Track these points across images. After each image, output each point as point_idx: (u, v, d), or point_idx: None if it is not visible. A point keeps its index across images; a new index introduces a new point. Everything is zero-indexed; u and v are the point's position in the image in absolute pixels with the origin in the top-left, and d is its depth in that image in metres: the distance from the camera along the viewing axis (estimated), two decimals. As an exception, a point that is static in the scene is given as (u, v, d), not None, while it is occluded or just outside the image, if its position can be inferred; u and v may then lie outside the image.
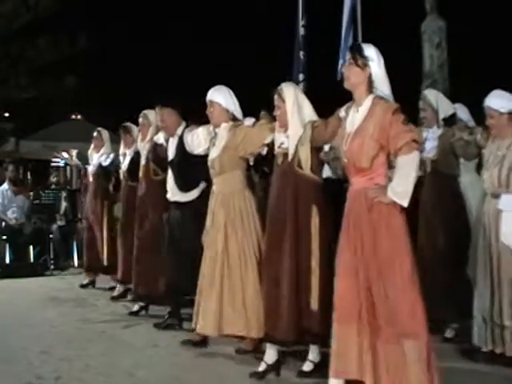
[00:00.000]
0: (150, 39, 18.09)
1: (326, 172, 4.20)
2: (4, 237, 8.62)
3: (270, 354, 3.96)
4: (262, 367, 3.93)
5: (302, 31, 8.95)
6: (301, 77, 8.79)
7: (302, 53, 8.87)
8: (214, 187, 4.43)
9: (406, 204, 3.16)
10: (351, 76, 3.30)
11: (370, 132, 3.20)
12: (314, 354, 3.93)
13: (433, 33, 9.14)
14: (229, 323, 4.20)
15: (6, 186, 8.87)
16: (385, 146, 3.20)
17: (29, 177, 13.04)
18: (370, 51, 3.30)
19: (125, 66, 17.93)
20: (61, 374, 4.10)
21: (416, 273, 3.17)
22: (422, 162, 4.65)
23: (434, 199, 4.74)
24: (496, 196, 4.05)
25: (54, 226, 8.93)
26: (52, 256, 8.62)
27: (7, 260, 8.54)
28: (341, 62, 7.95)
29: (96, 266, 7.12)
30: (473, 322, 4.16)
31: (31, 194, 9.90)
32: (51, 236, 8.78)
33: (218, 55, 17.80)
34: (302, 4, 8.98)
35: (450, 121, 4.75)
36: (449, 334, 4.69)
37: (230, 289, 4.22)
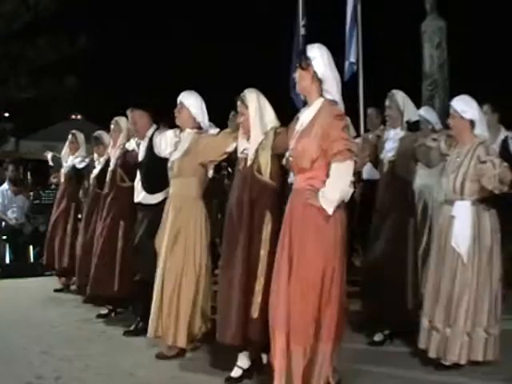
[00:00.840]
0: (150, 39, 18.09)
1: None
2: (4, 237, 8.63)
3: (244, 359, 3.95)
4: (236, 373, 3.91)
5: (302, 31, 8.95)
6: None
7: (302, 53, 8.86)
8: (171, 189, 4.50)
9: (330, 212, 3.24)
10: (299, 79, 3.41)
11: (313, 134, 3.28)
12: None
13: (433, 33, 9.13)
14: (162, 328, 4.31)
15: (6, 185, 8.87)
16: (326, 150, 3.25)
17: (29, 177, 13.03)
18: (313, 51, 3.36)
19: (125, 66, 17.93)
20: (61, 374, 4.10)
21: (339, 280, 3.26)
22: (379, 162, 4.80)
23: (386, 201, 4.74)
24: (451, 203, 4.11)
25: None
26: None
27: (7, 260, 8.55)
28: (347, 62, 7.96)
29: (55, 267, 7.14)
30: (419, 326, 4.17)
31: (31, 193, 9.91)
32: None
33: (217, 55, 17.80)
34: (302, 4, 8.99)
35: (414, 126, 4.78)
36: (378, 337, 4.69)
37: (166, 295, 4.29)
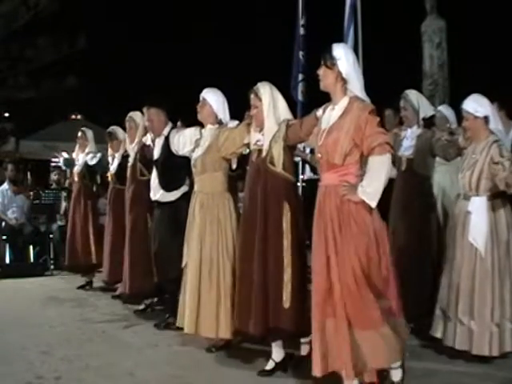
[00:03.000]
0: (150, 39, 18.09)
1: (308, 173, 4.21)
2: (4, 237, 8.62)
3: (278, 352, 4.00)
4: (269, 365, 3.97)
5: (301, 31, 8.96)
6: (300, 77, 8.81)
7: (301, 53, 8.88)
8: (196, 186, 4.51)
9: (374, 205, 3.25)
10: (323, 77, 3.42)
11: (345, 129, 3.29)
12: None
13: (433, 33, 9.13)
14: (202, 324, 4.28)
15: (6, 185, 8.87)
16: (359, 144, 3.27)
17: (29, 177, 13.03)
18: (338, 50, 3.40)
19: (125, 66, 17.93)
20: (61, 374, 4.10)
21: (386, 272, 3.28)
22: (397, 160, 4.80)
23: (405, 199, 4.80)
24: (467, 198, 4.19)
25: (54, 226, 8.92)
26: (52, 256, 8.61)
27: (7, 260, 8.55)
28: None
29: (77, 265, 7.17)
30: (434, 316, 4.27)
31: (31, 193, 9.91)
32: (51, 236, 8.77)
33: (217, 55, 17.80)
34: (302, 4, 8.99)
35: (430, 122, 4.83)
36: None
37: (205, 288, 4.30)
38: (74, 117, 14.76)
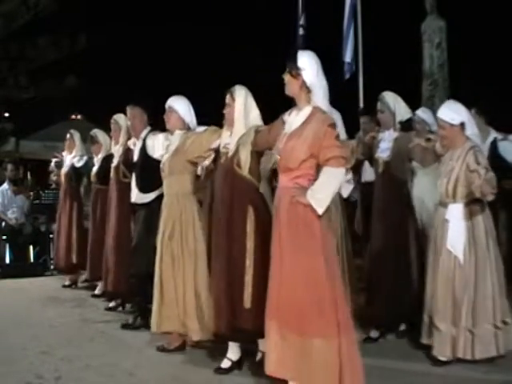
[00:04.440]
0: (150, 39, 18.08)
1: None
2: (4, 237, 8.63)
3: (234, 351, 4.06)
4: (225, 364, 4.05)
5: (300, 31, 8.97)
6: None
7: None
8: (164, 189, 4.67)
9: (320, 212, 3.31)
10: (288, 84, 3.52)
11: (303, 137, 3.39)
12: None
13: (433, 33, 9.12)
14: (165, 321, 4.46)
15: (5, 185, 8.88)
16: (315, 154, 3.36)
17: (29, 177, 13.04)
18: (303, 60, 3.47)
19: (125, 66, 17.92)
20: (61, 373, 4.10)
21: (334, 273, 3.33)
22: (375, 162, 4.88)
23: (383, 201, 4.82)
24: (445, 205, 4.19)
25: (54, 226, 8.93)
26: (52, 256, 8.61)
27: (7, 260, 8.55)
28: (346, 60, 7.97)
29: (62, 264, 7.40)
30: (422, 322, 4.26)
31: (31, 193, 9.91)
32: (51, 236, 8.78)
33: (217, 55, 17.80)
34: (302, 4, 9.00)
35: (407, 125, 4.82)
36: (373, 334, 4.78)
37: (168, 289, 4.46)
38: (74, 117, 14.75)
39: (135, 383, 3.97)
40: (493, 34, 14.36)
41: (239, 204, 3.95)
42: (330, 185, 3.34)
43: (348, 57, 7.99)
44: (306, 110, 3.45)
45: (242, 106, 4.05)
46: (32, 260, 8.67)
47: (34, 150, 13.27)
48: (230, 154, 4.01)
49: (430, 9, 9.14)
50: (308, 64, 3.45)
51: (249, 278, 3.86)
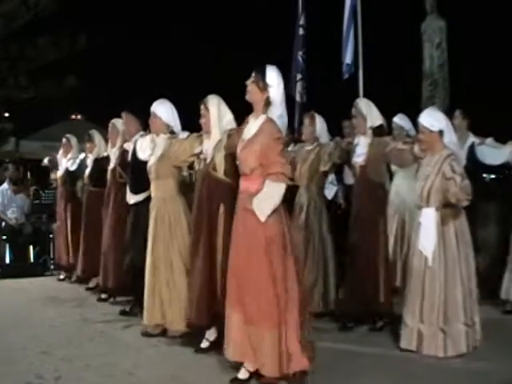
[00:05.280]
0: (150, 39, 18.09)
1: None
2: (4, 237, 8.63)
3: (210, 332, 4.45)
4: (204, 344, 4.43)
5: (300, 31, 8.97)
6: (298, 76, 8.83)
7: (300, 53, 8.89)
8: (151, 191, 4.96)
9: (262, 219, 3.61)
10: (252, 93, 3.78)
11: (254, 148, 3.69)
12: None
13: (433, 33, 9.11)
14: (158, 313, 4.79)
15: (5, 185, 8.88)
16: (263, 164, 3.65)
17: (29, 177, 13.04)
18: (272, 77, 3.73)
19: (125, 66, 17.92)
20: (61, 374, 4.11)
21: (278, 271, 3.60)
22: (352, 167, 5.15)
23: (359, 205, 5.05)
24: (420, 208, 4.43)
25: (54, 226, 8.94)
26: (52, 256, 8.62)
27: (7, 260, 8.56)
28: (346, 61, 7.97)
29: (63, 263, 7.67)
30: (402, 325, 4.45)
31: (32, 189, 9.93)
32: (51, 236, 8.78)
33: (217, 55, 17.80)
34: (302, 4, 9.00)
35: (378, 131, 5.00)
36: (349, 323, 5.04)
37: (158, 284, 4.77)
38: (74, 117, 14.75)
39: (135, 383, 3.98)
40: (493, 34, 14.36)
41: (214, 204, 4.28)
42: (271, 197, 3.62)
43: (348, 58, 7.99)
44: (260, 120, 3.74)
45: (216, 114, 4.37)
46: (32, 260, 8.68)
47: (34, 150, 13.24)
48: (208, 159, 4.35)
49: (430, 9, 9.13)
50: (276, 82, 3.72)
51: (220, 272, 4.18)
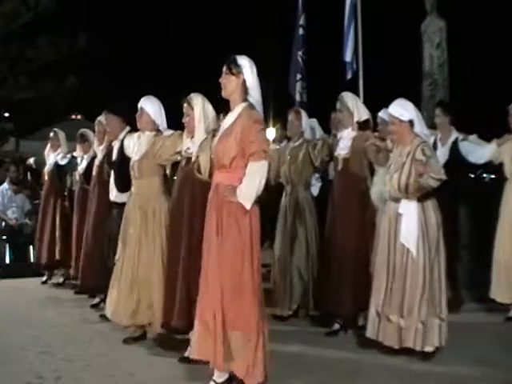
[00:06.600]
0: (151, 39, 18.10)
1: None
2: (4, 237, 8.63)
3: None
4: (188, 352, 4.14)
5: (300, 31, 8.97)
6: (298, 76, 8.84)
7: (299, 53, 8.90)
8: (133, 189, 4.86)
9: (248, 206, 3.53)
10: (227, 84, 3.69)
11: (234, 134, 3.59)
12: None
13: (433, 33, 9.11)
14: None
15: (6, 185, 8.87)
16: (245, 149, 3.55)
17: (29, 177, 13.03)
18: (243, 60, 3.67)
19: (125, 66, 17.93)
20: (61, 374, 4.11)
21: (257, 273, 3.56)
22: (334, 160, 5.10)
23: (341, 198, 5.01)
24: (396, 200, 4.34)
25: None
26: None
27: (7, 260, 8.55)
28: (347, 60, 7.98)
29: (44, 262, 7.46)
30: (368, 316, 4.42)
31: (31, 193, 9.91)
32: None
33: (216, 55, 17.80)
34: (302, 4, 8.99)
35: (364, 125, 5.00)
36: (335, 327, 5.01)
37: (141, 285, 4.66)
38: (73, 117, 14.77)
39: (135, 383, 3.98)
40: (493, 34, 14.36)
41: (200, 207, 4.03)
42: (254, 179, 3.52)
43: (348, 56, 8.00)
44: (239, 109, 3.65)
45: (201, 113, 4.29)
46: (32, 260, 8.65)
47: (34, 150, 13.25)
48: (193, 159, 4.26)
49: (430, 9, 9.13)
50: (249, 64, 3.65)
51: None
